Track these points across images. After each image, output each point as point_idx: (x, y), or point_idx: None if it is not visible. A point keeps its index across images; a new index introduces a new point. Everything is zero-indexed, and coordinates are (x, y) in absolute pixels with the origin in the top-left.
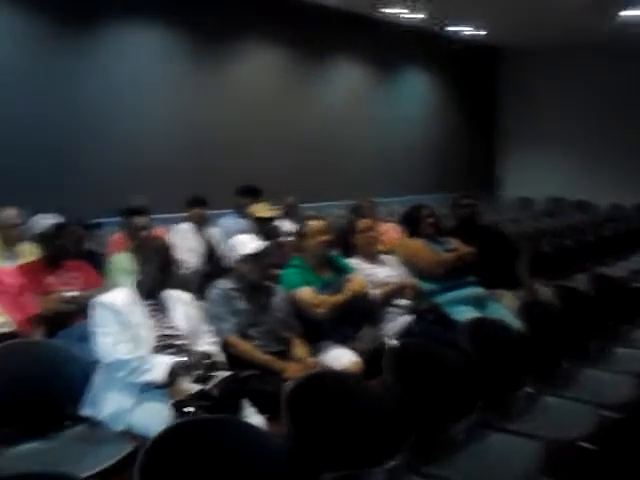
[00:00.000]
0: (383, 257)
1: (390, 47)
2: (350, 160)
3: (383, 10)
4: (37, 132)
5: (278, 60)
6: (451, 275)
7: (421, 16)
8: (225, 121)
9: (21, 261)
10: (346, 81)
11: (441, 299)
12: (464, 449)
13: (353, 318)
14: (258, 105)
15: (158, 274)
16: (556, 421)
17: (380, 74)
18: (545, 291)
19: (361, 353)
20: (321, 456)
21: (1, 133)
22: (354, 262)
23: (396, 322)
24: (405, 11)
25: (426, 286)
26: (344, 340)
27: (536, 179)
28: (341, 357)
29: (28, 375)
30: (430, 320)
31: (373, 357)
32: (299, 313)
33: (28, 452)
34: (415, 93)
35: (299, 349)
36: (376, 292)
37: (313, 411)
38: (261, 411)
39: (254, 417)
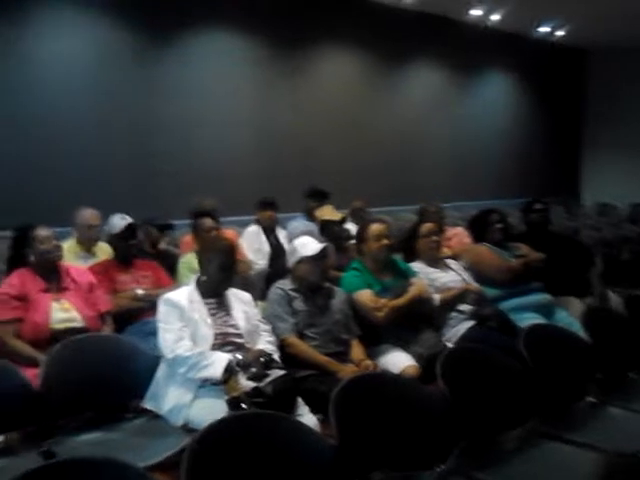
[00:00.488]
0: (448, 262)
1: (470, 49)
2: (425, 164)
3: (469, 12)
4: (124, 137)
5: (354, 63)
6: (517, 281)
7: (500, 17)
8: (299, 125)
9: (96, 261)
10: (423, 84)
11: (506, 305)
12: (518, 457)
13: (413, 322)
14: (333, 109)
15: (220, 273)
16: (619, 433)
17: (458, 77)
18: (616, 300)
19: (419, 358)
20: (370, 456)
21: (99, 138)
22: (416, 266)
23: (458, 328)
24: (486, 12)
25: (491, 292)
26: (403, 344)
27: (619, 185)
28: (399, 361)
29: (96, 368)
30: (493, 326)
31: (432, 362)
32: (358, 315)
33: (93, 440)
34: (495, 96)
35: (357, 351)
36: (437, 297)
37: (362, 411)
38: (315, 411)
39: (307, 416)
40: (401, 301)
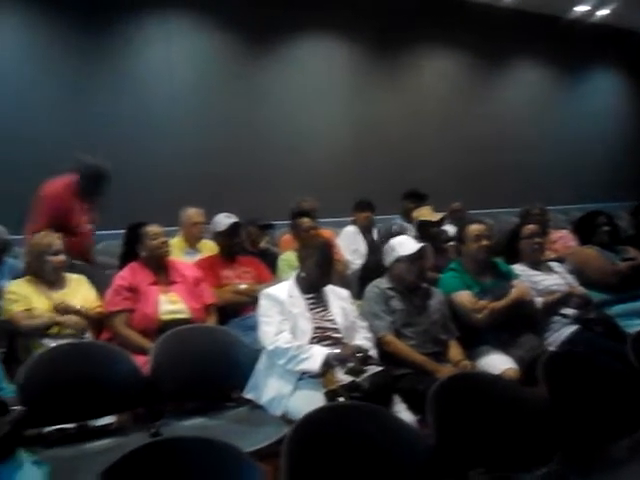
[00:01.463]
0: (551, 264)
1: (573, 47)
2: (527, 165)
3: (573, 8)
4: (228, 143)
5: (453, 65)
6: (625, 286)
7: (608, 12)
8: (397, 127)
9: (201, 257)
10: (524, 84)
11: (613, 311)
12: (624, 467)
13: (513, 325)
14: (431, 111)
15: (317, 270)
16: None
17: (561, 75)
18: None
19: (520, 361)
20: (467, 455)
21: (203, 144)
22: (518, 269)
23: (561, 332)
24: (592, 7)
25: (597, 296)
26: (503, 347)
27: None
28: (498, 363)
29: (200, 357)
30: (599, 331)
31: (532, 365)
32: (456, 317)
33: (197, 425)
34: (599, 95)
35: (455, 352)
36: (540, 300)
37: (460, 410)
38: (412, 411)
39: (404, 414)
40: (502, 303)
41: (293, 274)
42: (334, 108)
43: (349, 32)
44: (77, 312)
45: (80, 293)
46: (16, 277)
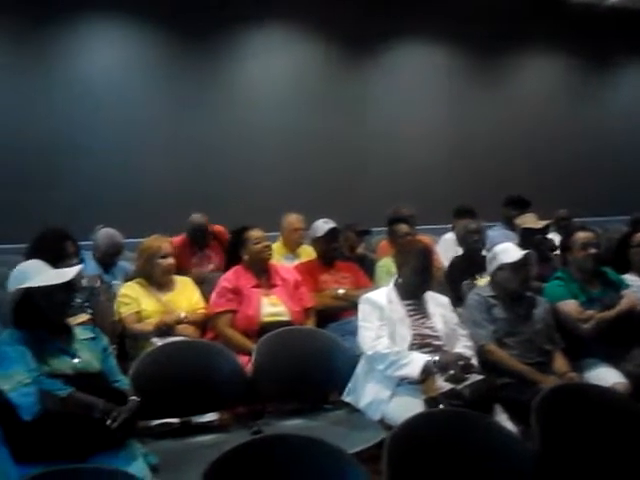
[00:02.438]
0: None
1: None
2: (635, 171)
3: None
4: (328, 147)
5: (554, 70)
6: None
7: None
8: (497, 133)
9: (300, 262)
10: (631, 85)
11: None
12: None
13: (623, 337)
14: (532, 117)
15: (415, 276)
16: None
17: None
18: None
19: (630, 375)
20: (573, 467)
21: (304, 150)
22: (629, 278)
23: None
24: None
25: None
26: (611, 360)
27: None
28: (606, 377)
29: (300, 359)
30: None
31: None
32: (562, 327)
33: (296, 426)
34: None
35: (560, 363)
36: None
37: (566, 421)
38: (514, 421)
39: (506, 424)
40: (610, 314)
41: (391, 280)
42: (433, 114)
43: (448, 37)
44: (180, 321)
45: (186, 295)
46: (127, 279)
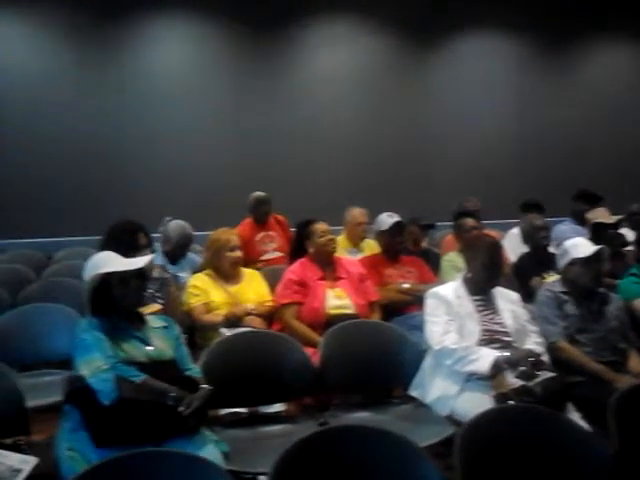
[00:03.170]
0: None
1: None
2: None
3: None
4: (393, 140)
5: (626, 56)
6: None
7: None
8: (567, 125)
9: (363, 256)
10: None
11: None
12: None
13: None
14: (603, 107)
15: (484, 271)
16: None
17: None
18: None
19: None
20: None
21: (368, 143)
22: None
23: None
24: None
25: None
26: None
27: None
28: None
29: (366, 352)
30: None
31: None
32: (637, 325)
33: (363, 419)
34: None
35: (635, 362)
36: None
37: None
38: (587, 420)
39: (579, 422)
40: None
41: (459, 275)
42: (501, 105)
43: (516, 27)
44: (249, 313)
45: (253, 287)
46: (195, 271)
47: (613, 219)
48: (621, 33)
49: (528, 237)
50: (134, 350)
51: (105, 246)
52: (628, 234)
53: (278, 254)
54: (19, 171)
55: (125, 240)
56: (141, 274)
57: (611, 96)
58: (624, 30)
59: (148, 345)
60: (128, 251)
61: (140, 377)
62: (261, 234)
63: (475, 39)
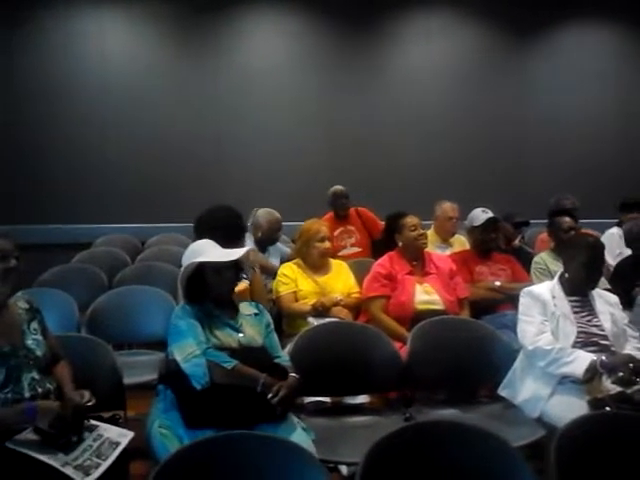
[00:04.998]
0: None
1: None
2: None
3: None
4: (491, 134)
5: None
6: None
7: None
8: None
9: (452, 251)
10: None
11: None
12: None
13: None
14: None
15: (584, 271)
16: None
17: None
18: None
19: None
20: None
21: (466, 136)
22: None
23: None
24: None
25: None
26: None
27: None
28: None
29: (456, 349)
30: None
31: None
32: None
33: (449, 416)
34: None
35: None
36: None
37: None
38: None
39: None
40: None
41: (551, 276)
42: (598, 99)
43: (615, 16)
44: (337, 304)
45: (341, 278)
46: (283, 261)
47: None
48: None
49: (633, 240)
50: (226, 337)
51: (205, 232)
52: None
53: (356, 249)
54: (117, 162)
55: (226, 226)
56: (235, 266)
57: None
58: None
59: (239, 332)
60: (228, 237)
61: (231, 363)
62: (340, 229)
63: (575, 30)
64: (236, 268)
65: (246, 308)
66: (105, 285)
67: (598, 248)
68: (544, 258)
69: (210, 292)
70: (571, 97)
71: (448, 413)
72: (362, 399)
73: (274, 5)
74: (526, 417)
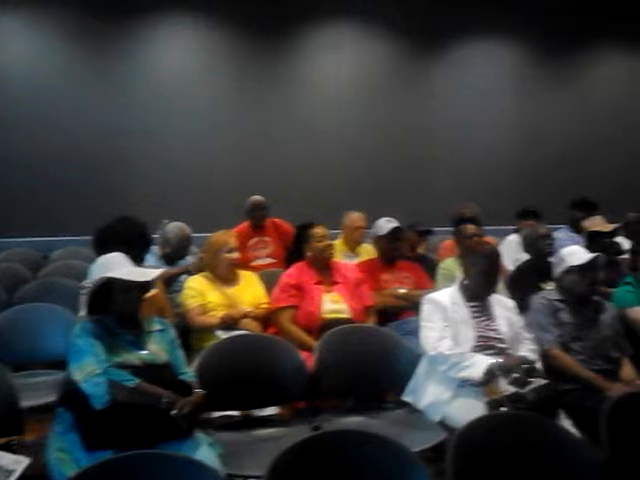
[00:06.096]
0: None
1: None
2: None
3: None
4: (391, 144)
5: (627, 66)
6: None
7: None
8: (568, 132)
9: (360, 260)
10: None
11: None
12: None
13: None
14: (602, 115)
15: (482, 278)
16: None
17: None
18: None
19: None
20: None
21: (371, 145)
22: None
23: None
24: None
25: None
26: None
27: None
28: None
29: (361, 357)
30: None
31: None
32: (631, 334)
33: (355, 423)
34: None
35: (628, 371)
36: None
37: (635, 429)
38: (578, 427)
39: (570, 430)
40: None
41: (457, 280)
42: (500, 112)
43: (518, 34)
44: (245, 315)
45: (250, 290)
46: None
47: (609, 227)
48: (622, 43)
49: (530, 245)
50: (128, 354)
51: (107, 246)
52: (624, 243)
53: (270, 260)
54: (17, 171)
55: (130, 242)
56: (145, 286)
57: (611, 104)
58: (624, 39)
59: (143, 349)
60: (132, 254)
61: (133, 381)
62: (255, 239)
63: (480, 45)
64: (145, 290)
65: (150, 324)
66: (3, 302)
67: (495, 256)
68: (450, 264)
69: (115, 308)
70: (473, 110)
71: (355, 421)
72: (271, 411)
73: (184, 14)
74: (429, 421)
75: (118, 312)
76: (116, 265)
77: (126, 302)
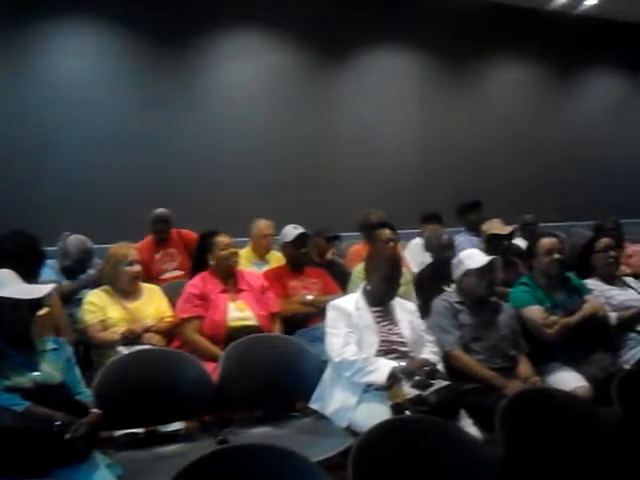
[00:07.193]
0: (626, 279)
1: None
2: (600, 177)
3: None
4: (299, 153)
5: (522, 75)
6: None
7: None
8: (466, 139)
9: (269, 268)
10: (596, 94)
11: None
12: None
13: (586, 342)
14: (501, 122)
15: (384, 283)
16: None
17: (637, 81)
18: None
19: (592, 379)
20: (536, 472)
21: (274, 155)
22: (591, 283)
23: (637, 349)
24: None
25: None
26: (574, 364)
27: None
28: (569, 380)
29: (267, 366)
30: None
31: (605, 384)
32: (527, 332)
33: (263, 434)
34: None
35: (524, 368)
36: (614, 315)
37: (529, 426)
38: (479, 426)
39: (470, 428)
40: (574, 319)
41: (360, 286)
42: (402, 119)
43: (417, 43)
44: (148, 330)
45: (153, 303)
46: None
47: (507, 230)
48: (516, 55)
49: (431, 248)
50: (19, 377)
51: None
52: (521, 244)
53: (179, 272)
54: None
55: (20, 257)
56: (35, 304)
57: (511, 112)
58: (519, 48)
59: (35, 370)
60: (24, 270)
61: (22, 405)
62: (161, 252)
63: (379, 54)
64: (35, 308)
65: (44, 343)
66: None
67: (396, 261)
68: (361, 269)
69: (3, 329)
70: (377, 117)
71: (262, 432)
72: (177, 426)
73: (82, 18)
74: (336, 428)
75: (7, 332)
76: (4, 282)
77: (15, 321)
